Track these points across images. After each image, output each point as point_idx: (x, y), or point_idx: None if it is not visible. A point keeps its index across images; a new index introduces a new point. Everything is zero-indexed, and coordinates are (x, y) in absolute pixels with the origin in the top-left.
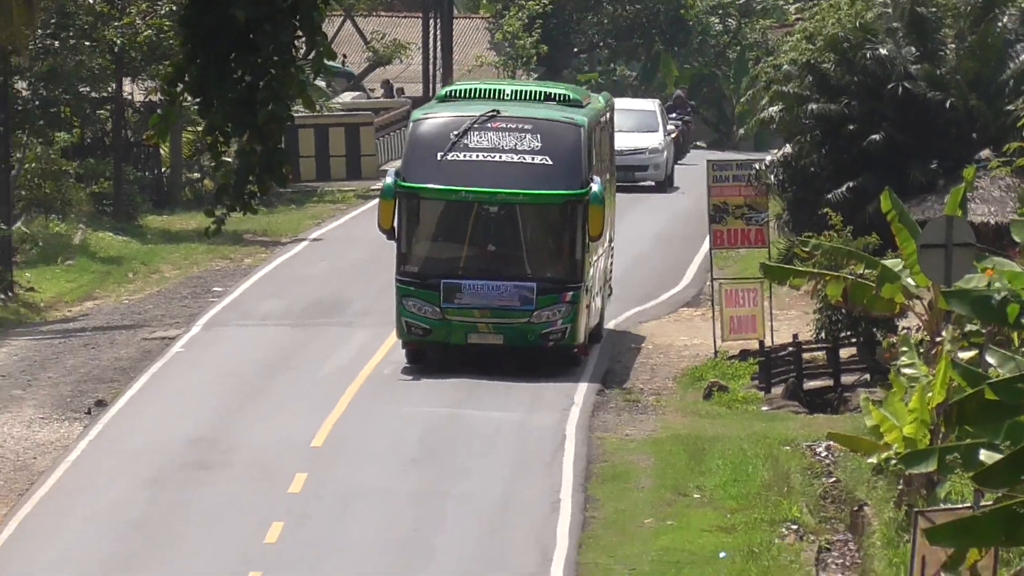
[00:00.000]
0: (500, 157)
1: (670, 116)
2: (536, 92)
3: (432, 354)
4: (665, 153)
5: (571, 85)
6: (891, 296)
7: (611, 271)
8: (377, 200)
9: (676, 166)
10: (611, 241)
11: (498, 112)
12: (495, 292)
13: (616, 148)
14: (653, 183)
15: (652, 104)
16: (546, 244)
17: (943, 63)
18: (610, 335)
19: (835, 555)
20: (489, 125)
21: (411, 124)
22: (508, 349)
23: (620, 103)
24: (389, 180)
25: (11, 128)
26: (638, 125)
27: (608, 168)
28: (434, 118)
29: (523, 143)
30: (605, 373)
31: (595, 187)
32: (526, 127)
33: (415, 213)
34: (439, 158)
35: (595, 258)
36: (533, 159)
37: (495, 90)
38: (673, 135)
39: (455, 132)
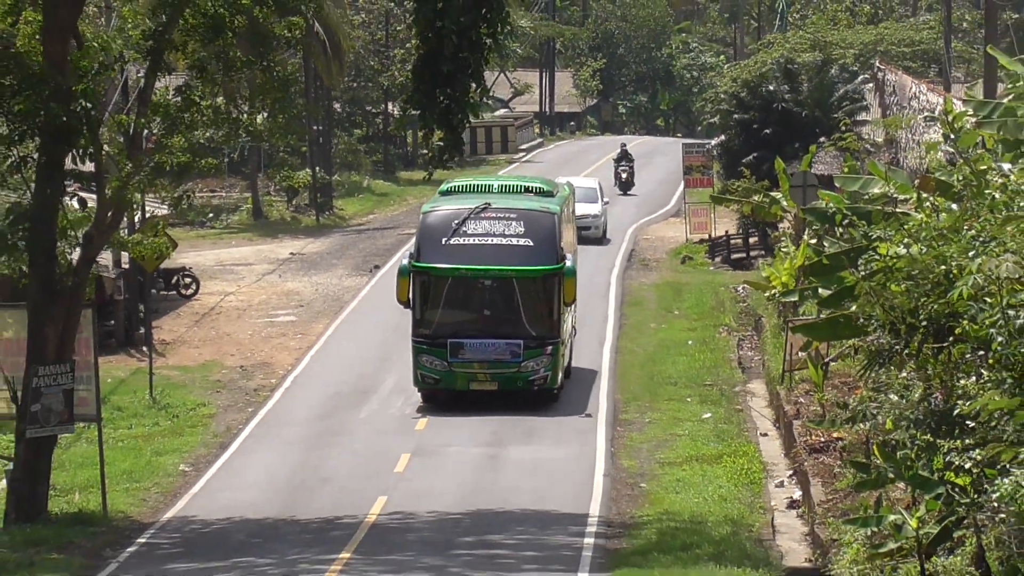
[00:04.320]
0: (492, 240)
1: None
2: (517, 186)
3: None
4: (603, 218)
5: (544, 178)
6: (776, 211)
7: (575, 317)
8: (396, 276)
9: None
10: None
11: (489, 204)
12: (491, 348)
13: None
14: (593, 238)
15: (594, 183)
16: (530, 309)
17: (801, 93)
18: (633, 231)
19: (747, 343)
20: (483, 215)
21: (421, 215)
22: (502, 392)
23: (573, 182)
24: (405, 262)
25: (332, 127)
26: (584, 197)
27: (571, 234)
28: (439, 211)
29: (510, 228)
30: (630, 251)
31: (568, 263)
32: (512, 216)
33: (427, 287)
34: (444, 242)
35: (568, 316)
36: (518, 241)
37: (484, 185)
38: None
39: (456, 221)
